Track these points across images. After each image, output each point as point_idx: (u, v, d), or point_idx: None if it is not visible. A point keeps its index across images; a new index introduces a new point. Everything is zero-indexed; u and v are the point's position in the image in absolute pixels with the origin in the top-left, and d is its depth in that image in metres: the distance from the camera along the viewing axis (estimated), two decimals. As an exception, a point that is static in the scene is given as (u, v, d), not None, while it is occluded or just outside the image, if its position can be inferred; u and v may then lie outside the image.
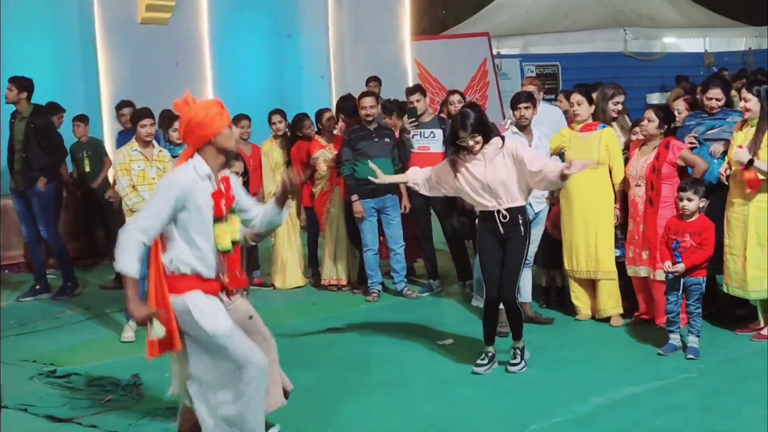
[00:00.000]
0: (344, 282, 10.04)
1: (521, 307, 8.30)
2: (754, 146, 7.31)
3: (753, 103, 7.41)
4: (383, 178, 7.24)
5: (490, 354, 7.06)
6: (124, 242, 4.81)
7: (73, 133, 11.76)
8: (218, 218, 5.00)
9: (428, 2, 29.99)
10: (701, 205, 7.33)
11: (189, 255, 4.97)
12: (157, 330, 4.78)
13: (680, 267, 7.15)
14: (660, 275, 7.50)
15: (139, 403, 6.64)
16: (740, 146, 7.38)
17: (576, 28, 22.94)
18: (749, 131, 7.45)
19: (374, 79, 11.83)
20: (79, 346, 8.33)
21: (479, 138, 6.74)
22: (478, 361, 7.03)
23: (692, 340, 7.21)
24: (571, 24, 23.39)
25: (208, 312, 4.97)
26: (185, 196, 4.87)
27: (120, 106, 10.83)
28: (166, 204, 4.85)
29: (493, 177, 6.75)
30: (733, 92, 15.46)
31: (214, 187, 5.00)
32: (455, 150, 6.87)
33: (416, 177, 7.12)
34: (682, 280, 7.22)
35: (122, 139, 10.49)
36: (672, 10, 24.69)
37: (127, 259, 4.79)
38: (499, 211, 6.79)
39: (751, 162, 7.24)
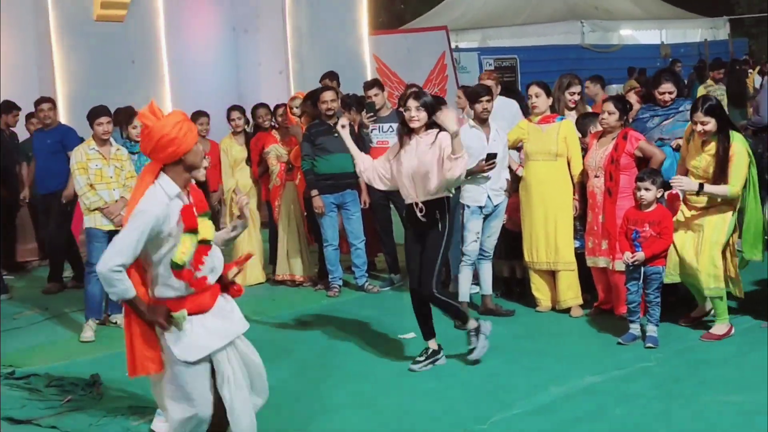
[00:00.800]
0: (298, 277, 10.02)
1: (483, 299, 8.37)
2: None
3: (711, 125, 7.16)
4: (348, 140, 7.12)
5: (429, 351, 7.00)
6: (107, 281, 4.59)
7: (26, 129, 11.64)
8: (192, 230, 4.75)
9: (386, -3, 30.02)
10: (659, 195, 7.39)
11: (167, 278, 4.74)
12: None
13: (640, 255, 7.21)
14: (619, 266, 7.55)
15: (99, 402, 6.58)
16: (683, 175, 7.36)
17: (533, 21, 23.10)
18: (701, 155, 7.32)
19: (330, 75, 11.82)
20: (38, 346, 8.25)
21: (423, 114, 6.69)
22: (417, 358, 6.99)
23: (651, 329, 7.27)
24: (529, 17, 23.54)
25: (183, 336, 4.76)
26: (159, 225, 4.63)
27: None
28: (140, 235, 4.58)
29: (417, 167, 6.69)
30: (710, 81, 15.64)
31: (184, 202, 4.78)
32: (401, 132, 6.86)
33: (366, 164, 7.03)
34: (642, 270, 7.29)
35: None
36: (628, 3, 24.93)
37: (119, 288, 4.60)
38: (417, 203, 6.76)
39: (701, 187, 7.26)
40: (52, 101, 10.43)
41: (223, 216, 10.43)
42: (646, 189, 7.34)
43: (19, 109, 11.60)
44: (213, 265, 4.86)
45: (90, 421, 6.23)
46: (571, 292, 8.24)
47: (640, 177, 7.44)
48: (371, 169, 7.02)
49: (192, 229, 4.71)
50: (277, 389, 6.53)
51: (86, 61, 12.95)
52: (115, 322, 8.66)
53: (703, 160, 7.29)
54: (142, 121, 4.73)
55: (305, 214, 9.86)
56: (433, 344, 7.02)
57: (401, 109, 6.97)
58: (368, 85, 9.90)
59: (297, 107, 9.95)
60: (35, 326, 8.99)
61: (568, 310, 8.27)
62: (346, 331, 8.15)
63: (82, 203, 8.42)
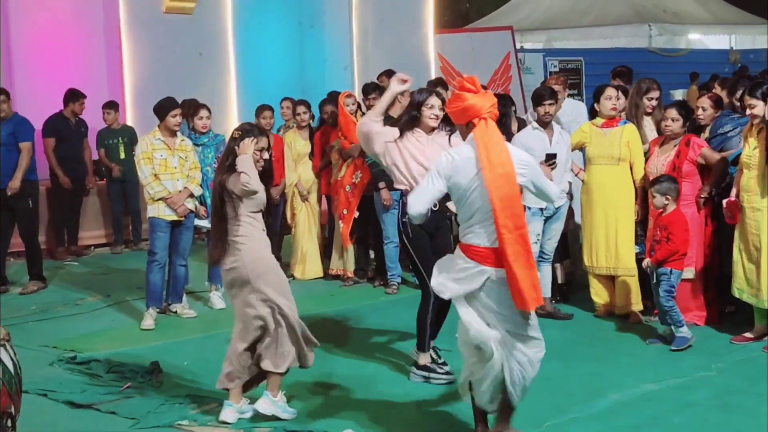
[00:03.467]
0: (349, 273, 10.05)
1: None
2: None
3: (759, 108, 7.11)
4: None
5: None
6: None
7: (103, 120, 11.87)
8: None
9: (452, -4, 29.95)
10: (666, 201, 7.43)
11: None
12: None
13: (647, 262, 7.46)
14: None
15: (158, 390, 6.66)
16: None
17: (600, 23, 22.88)
18: (752, 143, 7.23)
19: (387, 73, 11.84)
20: (99, 332, 8.38)
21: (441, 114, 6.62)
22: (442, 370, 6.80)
23: (679, 331, 7.33)
24: (595, 19, 23.32)
25: None
26: None
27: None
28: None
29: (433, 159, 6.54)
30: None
31: None
32: (412, 118, 6.70)
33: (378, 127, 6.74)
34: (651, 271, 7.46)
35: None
36: (697, 7, 24.57)
37: None
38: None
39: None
40: (6, 93, 9.98)
41: (284, 210, 10.48)
42: (653, 196, 7.45)
43: (84, 96, 11.76)
44: None
45: (148, 407, 6.30)
46: (630, 298, 8.17)
47: (652, 183, 7.53)
48: (381, 134, 6.78)
49: None
50: (335, 381, 6.67)
51: (154, 53, 13.12)
52: (175, 312, 8.78)
53: (755, 148, 7.17)
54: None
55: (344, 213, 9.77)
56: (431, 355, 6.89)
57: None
58: (432, 84, 9.89)
59: (351, 104, 9.92)
60: (97, 312, 9.13)
61: (627, 316, 8.20)
62: (402, 328, 8.15)
63: (146, 193, 8.53)
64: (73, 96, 11.72)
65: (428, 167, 6.42)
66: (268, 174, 6.25)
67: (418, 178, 6.35)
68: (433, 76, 15.33)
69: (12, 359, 4.41)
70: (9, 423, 4.35)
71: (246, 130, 6.12)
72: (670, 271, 7.36)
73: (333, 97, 10.42)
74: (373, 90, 10.02)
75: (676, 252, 7.35)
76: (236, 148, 6.01)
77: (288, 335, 5.95)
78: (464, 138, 5.44)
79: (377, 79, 11.55)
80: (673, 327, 7.34)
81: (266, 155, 6.13)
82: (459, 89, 5.41)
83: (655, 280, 7.45)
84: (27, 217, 9.96)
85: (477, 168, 5.17)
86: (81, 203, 12.08)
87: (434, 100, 6.68)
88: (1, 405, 4.23)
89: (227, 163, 6.06)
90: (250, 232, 5.97)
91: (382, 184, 9.24)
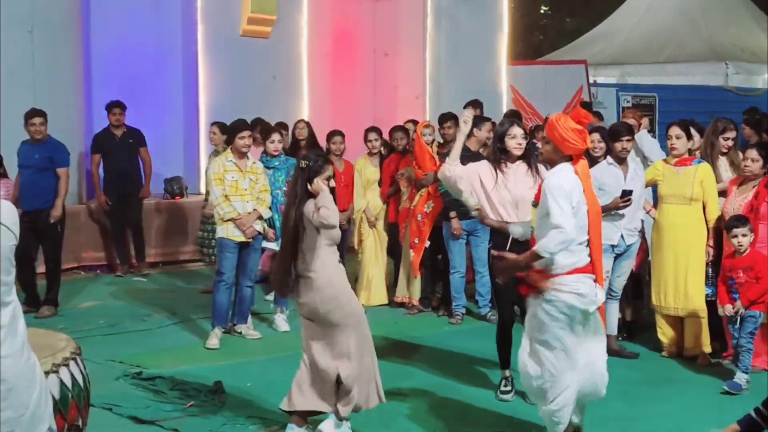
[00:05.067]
0: (415, 301, 10.02)
1: (608, 339, 8.20)
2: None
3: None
4: (488, 218, 7.01)
5: (510, 378, 7.05)
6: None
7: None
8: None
9: (525, 28, 29.91)
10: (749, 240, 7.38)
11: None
12: None
13: (738, 305, 7.27)
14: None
15: (220, 409, 6.70)
16: None
17: (675, 60, 22.63)
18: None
19: (474, 103, 11.84)
20: (165, 349, 8.48)
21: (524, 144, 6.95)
22: (502, 388, 7.05)
23: (739, 376, 7.21)
24: (670, 55, 23.07)
25: None
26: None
27: (30, 114, 9.83)
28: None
29: (522, 192, 6.79)
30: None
31: None
32: (499, 150, 6.99)
33: (515, 229, 6.79)
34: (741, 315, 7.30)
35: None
36: (775, 46, 24.20)
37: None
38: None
39: None
40: (44, 115, 9.77)
41: (351, 235, 10.51)
42: (743, 235, 7.32)
43: (118, 106, 11.64)
44: None
45: (210, 426, 6.35)
46: (699, 339, 8.04)
47: (733, 224, 7.36)
48: (466, 178, 7.04)
49: None
50: (398, 410, 6.64)
51: (229, 75, 13.32)
52: (240, 332, 8.84)
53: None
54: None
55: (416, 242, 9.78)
56: (509, 372, 7.09)
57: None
58: (509, 116, 9.88)
59: (429, 134, 9.94)
60: (163, 329, 9.24)
61: (694, 358, 8.06)
62: (463, 360, 8.12)
63: (216, 213, 8.62)
64: (108, 107, 11.69)
65: (516, 196, 6.77)
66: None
67: (507, 208, 6.82)
68: (504, 108, 15.35)
69: (82, 373, 4.48)
70: (76, 436, 4.41)
71: (312, 160, 6.09)
72: (760, 314, 7.25)
73: (403, 126, 10.50)
74: (449, 119, 10.04)
75: (765, 292, 7.26)
76: (308, 185, 6.01)
77: (361, 373, 5.93)
78: (550, 165, 5.70)
79: (463, 109, 11.58)
80: (737, 371, 7.20)
81: (332, 183, 6.12)
82: (576, 122, 5.67)
83: (738, 323, 7.31)
84: (54, 242, 9.82)
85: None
86: (137, 218, 11.96)
87: (516, 130, 6.97)
88: (69, 418, 4.29)
89: (299, 195, 6.02)
90: (326, 264, 5.94)
91: (453, 213, 9.24)
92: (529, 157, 6.94)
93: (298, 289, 5.97)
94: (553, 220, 5.37)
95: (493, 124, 10.04)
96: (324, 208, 5.85)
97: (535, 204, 5.77)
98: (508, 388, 7.03)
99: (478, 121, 9.74)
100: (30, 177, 9.72)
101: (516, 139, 6.90)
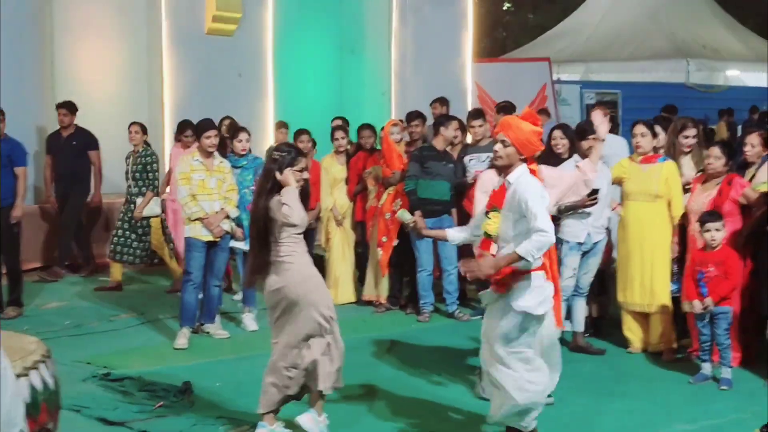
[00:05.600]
0: (382, 300, 10.05)
1: (574, 336, 8.28)
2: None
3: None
4: (425, 229, 6.47)
5: None
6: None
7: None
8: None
9: (490, 25, 30.00)
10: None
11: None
12: None
13: (708, 302, 7.31)
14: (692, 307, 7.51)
15: (190, 410, 6.67)
16: None
17: (638, 58, 22.84)
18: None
19: (441, 101, 11.89)
20: (133, 350, 8.42)
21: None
22: None
23: (725, 371, 7.30)
24: (633, 52, 23.29)
25: None
26: None
27: None
28: None
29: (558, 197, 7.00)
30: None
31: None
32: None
33: (455, 237, 6.22)
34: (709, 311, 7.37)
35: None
36: (736, 43, 24.51)
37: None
38: None
39: None
40: (1, 113, 9.64)
41: (318, 233, 10.52)
42: (716, 230, 7.39)
43: (61, 106, 11.40)
44: None
45: (180, 427, 6.32)
46: (664, 336, 8.13)
47: (706, 219, 7.44)
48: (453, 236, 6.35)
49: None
50: (369, 407, 6.66)
51: (194, 73, 13.26)
52: (208, 332, 8.81)
53: None
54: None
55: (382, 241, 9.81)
56: None
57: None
58: (473, 115, 9.92)
59: (397, 133, 9.97)
60: (130, 329, 9.18)
61: (660, 353, 8.15)
62: (432, 356, 8.15)
63: (184, 213, 8.59)
64: (56, 108, 11.46)
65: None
66: (306, 195, 6.24)
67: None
68: (470, 104, 15.41)
69: (53, 375, 4.45)
70: (47, 439, 4.38)
71: (285, 152, 6.11)
72: (730, 309, 7.37)
73: (370, 124, 10.53)
74: (416, 117, 10.08)
75: (734, 288, 7.38)
76: (277, 173, 6.02)
77: (339, 354, 5.97)
78: (507, 169, 5.61)
79: (430, 106, 11.63)
80: (722, 367, 7.30)
81: (306, 175, 6.13)
82: (532, 123, 5.61)
83: (707, 319, 7.38)
84: (13, 242, 9.61)
85: None
86: (68, 220, 11.60)
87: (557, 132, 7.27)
88: (40, 421, 4.26)
89: (268, 186, 6.07)
90: (294, 251, 5.97)
91: (418, 213, 9.20)
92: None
93: (269, 276, 5.98)
94: (536, 224, 5.34)
95: (461, 122, 10.10)
96: (286, 206, 5.86)
97: (496, 209, 5.69)
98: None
99: (445, 119, 9.80)
100: None
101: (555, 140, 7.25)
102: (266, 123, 13.88)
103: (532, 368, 5.60)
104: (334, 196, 10.31)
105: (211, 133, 8.55)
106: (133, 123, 10.78)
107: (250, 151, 9.39)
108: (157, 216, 10.67)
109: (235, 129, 9.48)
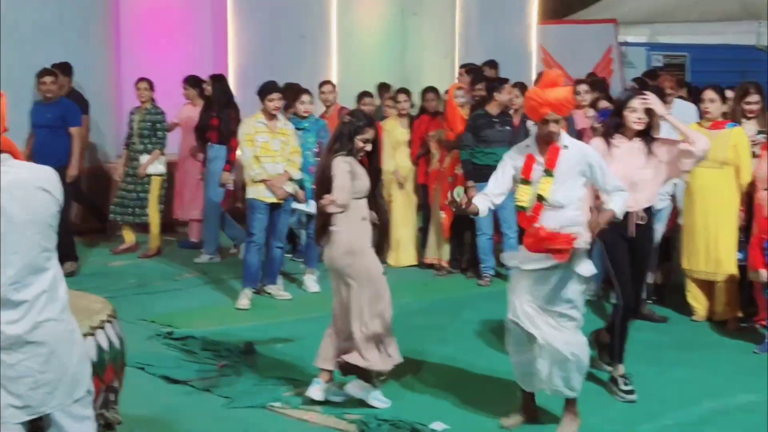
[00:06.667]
0: (444, 263, 10.04)
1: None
2: None
3: None
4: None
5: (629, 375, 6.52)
6: None
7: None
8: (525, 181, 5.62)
9: (556, -15, 29.55)
10: None
11: None
12: None
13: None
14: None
15: (251, 370, 6.76)
16: None
17: (707, 19, 22.36)
18: None
19: (491, 64, 11.83)
20: (196, 309, 8.54)
21: (646, 119, 6.37)
22: (624, 387, 6.37)
23: None
24: (702, 14, 22.80)
25: None
26: None
27: (42, 74, 9.76)
28: None
29: (632, 171, 6.28)
30: None
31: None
32: (615, 124, 6.45)
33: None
34: None
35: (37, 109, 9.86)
36: (810, 4, 23.86)
37: None
38: (638, 213, 6.41)
39: None
40: (54, 74, 9.78)
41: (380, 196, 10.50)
42: None
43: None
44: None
45: (242, 387, 6.41)
46: (729, 305, 8.01)
47: None
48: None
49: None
50: (427, 373, 6.68)
51: (258, 34, 13.26)
52: (270, 293, 8.89)
53: None
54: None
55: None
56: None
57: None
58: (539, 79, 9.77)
59: (461, 96, 9.91)
60: (194, 290, 9.29)
61: (724, 322, 8.04)
62: (494, 321, 8.12)
63: (247, 174, 8.64)
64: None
65: (630, 176, 6.20)
66: (375, 163, 6.24)
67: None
68: (534, 68, 15.26)
69: (118, 335, 4.52)
70: (113, 397, 4.46)
71: (356, 118, 6.18)
72: None
73: (434, 87, 10.48)
74: (480, 81, 9.98)
75: None
76: (345, 139, 6.04)
77: (374, 334, 5.99)
78: (551, 140, 5.61)
79: (482, 68, 11.55)
80: None
81: (368, 147, 6.12)
82: (554, 85, 5.61)
83: None
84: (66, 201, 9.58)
85: None
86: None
87: (637, 103, 6.38)
88: (106, 379, 4.34)
89: (335, 147, 6.10)
90: (345, 219, 5.98)
91: (470, 183, 9.09)
92: (649, 133, 6.41)
93: (327, 240, 6.04)
94: (616, 182, 5.64)
95: (519, 84, 9.98)
96: (329, 197, 5.89)
97: (549, 172, 5.59)
98: (630, 387, 6.36)
99: (498, 83, 9.68)
100: (42, 137, 9.69)
101: (636, 113, 6.30)
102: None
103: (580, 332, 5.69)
104: (396, 159, 10.28)
105: (275, 95, 8.58)
106: (141, 79, 10.61)
107: (312, 113, 9.40)
108: (161, 175, 10.60)
109: (297, 91, 9.49)
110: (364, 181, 6.04)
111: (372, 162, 6.18)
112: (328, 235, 6.03)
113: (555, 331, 5.55)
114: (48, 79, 9.71)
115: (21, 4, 10.94)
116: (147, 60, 12.13)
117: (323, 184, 6.04)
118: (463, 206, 5.58)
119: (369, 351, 5.99)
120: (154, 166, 10.49)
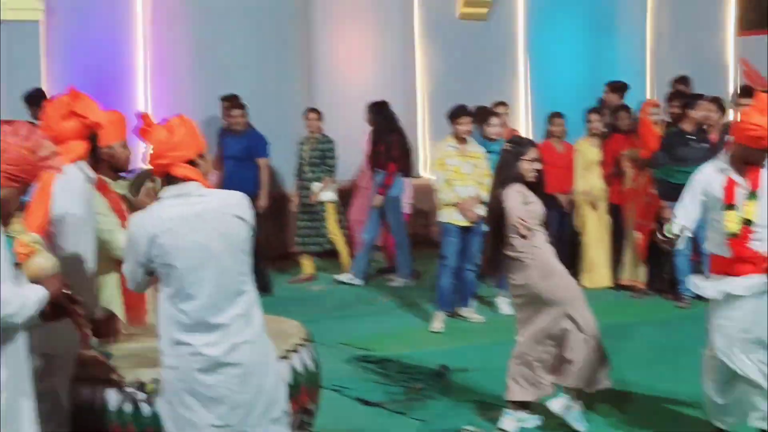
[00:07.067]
0: (641, 284, 9.81)
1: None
2: None
3: None
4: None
5: None
6: None
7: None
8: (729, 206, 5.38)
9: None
10: None
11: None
12: None
13: None
14: None
15: (446, 394, 6.78)
16: None
17: None
18: None
19: (683, 80, 11.49)
20: (390, 332, 8.66)
21: None
22: None
23: None
24: None
25: None
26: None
27: (230, 106, 10.13)
28: None
29: None
30: None
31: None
32: None
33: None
34: None
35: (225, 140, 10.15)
36: None
37: None
38: None
39: None
40: (243, 107, 10.06)
41: (575, 218, 10.33)
42: None
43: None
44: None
45: (437, 411, 6.44)
46: None
47: None
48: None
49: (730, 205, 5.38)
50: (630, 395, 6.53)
51: (447, 58, 13.35)
52: (463, 316, 8.91)
53: None
54: None
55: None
56: None
57: None
58: (742, 93, 9.34)
59: (655, 113, 9.70)
60: (389, 313, 9.44)
61: None
62: (694, 345, 7.85)
63: (439, 198, 8.72)
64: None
65: None
66: (540, 184, 6.17)
67: None
68: (731, 83, 14.71)
69: (313, 358, 4.64)
70: (308, 419, 4.57)
71: (516, 143, 6.26)
72: None
73: (626, 105, 10.29)
74: (677, 98, 9.73)
75: None
76: (512, 169, 6.00)
77: (586, 350, 5.87)
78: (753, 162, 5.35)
79: (673, 86, 11.24)
80: None
81: (537, 165, 6.06)
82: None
83: None
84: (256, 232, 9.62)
85: None
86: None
87: None
88: (301, 401, 4.45)
89: (501, 177, 6.09)
90: (532, 245, 5.91)
91: (663, 203, 8.83)
92: None
93: (511, 270, 5.97)
94: None
95: (715, 100, 9.66)
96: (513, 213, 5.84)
97: (754, 195, 5.35)
98: None
99: (692, 100, 9.40)
100: (230, 168, 10.01)
101: None
102: (517, 106, 13.80)
103: None
104: (588, 179, 10.13)
105: (465, 119, 8.64)
106: (310, 109, 10.78)
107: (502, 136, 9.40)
108: (333, 201, 10.69)
109: (486, 113, 9.51)
110: (537, 206, 5.99)
111: (539, 186, 6.10)
112: (509, 264, 5.99)
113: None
114: (237, 112, 10.07)
115: (218, 32, 11.38)
116: (339, 92, 12.37)
117: (494, 216, 6.02)
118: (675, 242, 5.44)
119: (585, 369, 5.88)
120: (325, 193, 10.63)
